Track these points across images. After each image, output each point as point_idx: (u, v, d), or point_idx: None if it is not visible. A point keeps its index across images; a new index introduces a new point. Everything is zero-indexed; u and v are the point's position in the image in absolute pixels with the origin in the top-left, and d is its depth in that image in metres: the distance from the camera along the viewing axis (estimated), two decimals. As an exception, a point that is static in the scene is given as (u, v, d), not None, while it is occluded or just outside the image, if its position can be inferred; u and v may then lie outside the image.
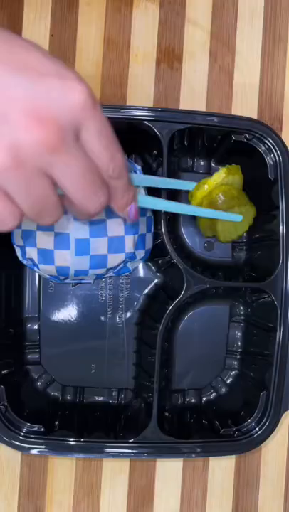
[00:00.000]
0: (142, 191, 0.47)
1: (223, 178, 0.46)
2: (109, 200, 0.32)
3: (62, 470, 0.52)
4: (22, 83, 0.27)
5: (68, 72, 0.28)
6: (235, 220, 0.45)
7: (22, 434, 0.47)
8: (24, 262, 0.48)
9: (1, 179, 0.27)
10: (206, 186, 0.46)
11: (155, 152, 0.49)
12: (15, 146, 0.26)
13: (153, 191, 0.46)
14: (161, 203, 0.43)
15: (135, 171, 0.48)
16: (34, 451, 0.46)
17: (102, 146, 0.29)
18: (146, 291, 0.53)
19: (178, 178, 0.53)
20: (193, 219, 0.52)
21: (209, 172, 0.53)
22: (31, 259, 0.47)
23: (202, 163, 0.53)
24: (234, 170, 0.47)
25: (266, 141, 0.47)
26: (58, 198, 0.30)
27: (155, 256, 0.51)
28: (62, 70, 0.28)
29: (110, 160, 0.30)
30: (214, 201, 0.46)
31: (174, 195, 0.52)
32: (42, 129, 0.26)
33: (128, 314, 0.53)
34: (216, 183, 0.46)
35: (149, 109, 0.46)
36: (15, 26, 0.52)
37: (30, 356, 0.53)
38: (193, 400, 0.53)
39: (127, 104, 0.52)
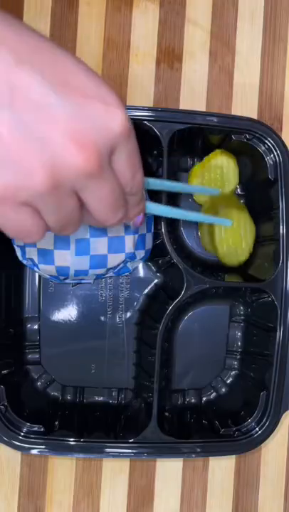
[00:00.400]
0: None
1: (218, 156, 0.50)
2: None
3: (62, 470, 0.52)
4: (66, 104, 0.26)
5: (111, 96, 0.28)
6: (225, 224, 0.46)
7: (22, 434, 0.46)
8: (24, 262, 0.48)
9: (35, 198, 0.27)
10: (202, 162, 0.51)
11: (155, 152, 0.49)
12: (54, 168, 0.26)
13: (151, 191, 0.46)
14: (161, 209, 0.43)
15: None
16: (34, 451, 0.46)
17: (128, 167, 0.30)
18: (146, 291, 0.53)
19: (178, 178, 0.53)
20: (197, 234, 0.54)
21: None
22: (31, 259, 0.47)
23: (202, 163, 0.53)
24: (228, 154, 0.50)
25: (266, 141, 0.47)
26: (81, 214, 0.30)
27: (155, 256, 0.51)
28: (105, 93, 0.28)
29: (132, 178, 0.31)
30: (209, 181, 0.50)
31: (173, 196, 0.52)
32: (82, 153, 0.26)
33: (128, 314, 0.53)
34: (210, 159, 0.50)
35: (149, 109, 0.46)
36: (15, 26, 0.52)
37: (30, 356, 0.53)
38: (193, 400, 0.53)
39: (127, 104, 0.52)
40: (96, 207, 0.30)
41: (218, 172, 0.50)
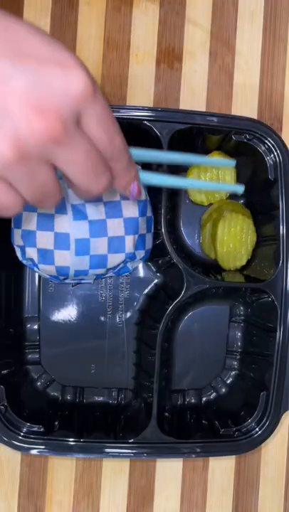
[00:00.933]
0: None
1: (215, 157, 0.50)
2: (111, 181, 0.33)
3: (62, 470, 0.52)
4: (22, 74, 0.26)
5: (68, 58, 0.27)
6: (236, 190, 0.45)
7: (22, 434, 0.46)
8: (24, 262, 0.48)
9: (3, 171, 0.27)
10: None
11: (155, 152, 0.49)
12: (17, 139, 0.26)
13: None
14: (157, 177, 0.41)
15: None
16: (34, 452, 0.46)
17: (101, 130, 0.29)
18: (146, 291, 0.53)
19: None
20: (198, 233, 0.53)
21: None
22: (31, 259, 0.47)
23: (202, 163, 0.53)
24: (226, 156, 0.50)
25: (266, 141, 0.47)
26: (58, 184, 0.30)
27: (155, 256, 0.51)
28: (62, 56, 0.27)
29: (110, 143, 0.30)
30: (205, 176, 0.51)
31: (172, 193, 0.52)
32: (44, 120, 0.26)
33: (128, 314, 0.53)
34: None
35: (149, 109, 0.46)
36: (15, 26, 0.52)
37: (30, 356, 0.53)
38: (193, 400, 0.53)
39: (127, 104, 0.52)
40: (73, 173, 0.30)
41: (215, 173, 0.50)
